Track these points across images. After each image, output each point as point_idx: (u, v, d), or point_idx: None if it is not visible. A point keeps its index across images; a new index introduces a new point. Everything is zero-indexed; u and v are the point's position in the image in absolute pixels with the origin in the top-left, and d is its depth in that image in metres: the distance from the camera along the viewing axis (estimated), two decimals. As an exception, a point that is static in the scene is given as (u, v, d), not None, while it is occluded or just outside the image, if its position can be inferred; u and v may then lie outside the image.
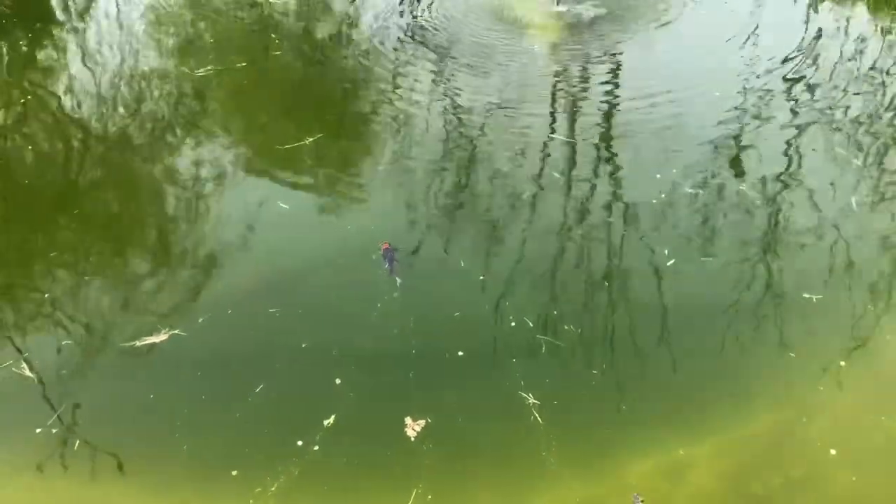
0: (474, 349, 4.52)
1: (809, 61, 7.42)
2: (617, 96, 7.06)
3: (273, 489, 3.83)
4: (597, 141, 6.39)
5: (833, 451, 3.97)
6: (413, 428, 4.09)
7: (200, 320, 4.73)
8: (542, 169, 6.06)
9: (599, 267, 5.11)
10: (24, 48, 8.24)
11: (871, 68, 7.33)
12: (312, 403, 4.25)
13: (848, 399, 4.25)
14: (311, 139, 6.42)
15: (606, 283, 4.98)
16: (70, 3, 9.29)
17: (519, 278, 5.00)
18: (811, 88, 6.98)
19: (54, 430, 4.14)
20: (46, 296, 4.99)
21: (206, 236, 5.52)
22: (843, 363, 4.40)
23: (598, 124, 6.65)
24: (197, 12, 8.91)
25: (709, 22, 8.44)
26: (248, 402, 4.25)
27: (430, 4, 8.79)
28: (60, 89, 7.39)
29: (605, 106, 6.93)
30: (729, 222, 5.45)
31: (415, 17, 8.57)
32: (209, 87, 7.34)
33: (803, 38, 7.91)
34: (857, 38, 7.98)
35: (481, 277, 5.00)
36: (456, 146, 6.38)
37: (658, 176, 5.86)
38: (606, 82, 7.33)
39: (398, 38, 8.16)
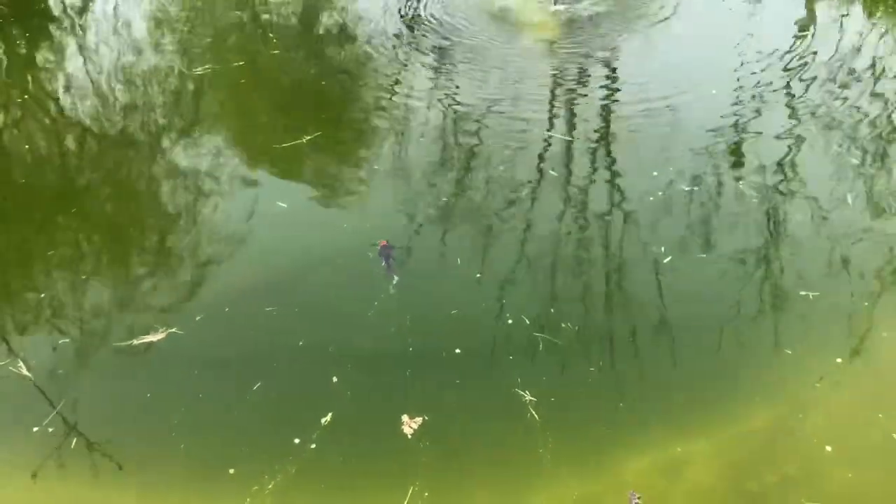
0: (471, 347, 4.53)
1: (808, 59, 7.41)
2: (616, 90, 7.06)
3: (270, 487, 3.84)
4: (595, 138, 6.39)
5: (829, 448, 3.97)
6: (410, 426, 4.09)
7: (198, 319, 4.74)
8: (538, 166, 6.06)
9: (597, 265, 5.11)
10: (22, 48, 8.24)
11: (870, 66, 7.33)
12: (310, 401, 4.26)
13: (844, 396, 4.25)
14: (308, 138, 6.42)
15: (603, 281, 4.98)
16: (67, 2, 9.28)
17: (516, 276, 5.00)
18: (809, 86, 6.97)
19: (51, 430, 4.14)
20: (43, 294, 5.00)
21: (204, 235, 5.53)
22: (839, 360, 4.40)
23: (596, 123, 6.64)
24: (194, 11, 8.91)
25: (707, 22, 8.43)
26: (246, 401, 4.26)
27: (430, 4, 8.79)
28: (58, 88, 7.39)
29: (604, 102, 6.93)
30: (726, 220, 5.45)
31: (413, 16, 8.57)
32: (207, 85, 7.34)
33: (803, 37, 7.90)
34: (856, 35, 7.97)
35: (478, 275, 5.00)
36: (453, 144, 6.38)
37: (655, 174, 5.86)
38: (605, 77, 7.33)
39: (396, 36, 8.16)
